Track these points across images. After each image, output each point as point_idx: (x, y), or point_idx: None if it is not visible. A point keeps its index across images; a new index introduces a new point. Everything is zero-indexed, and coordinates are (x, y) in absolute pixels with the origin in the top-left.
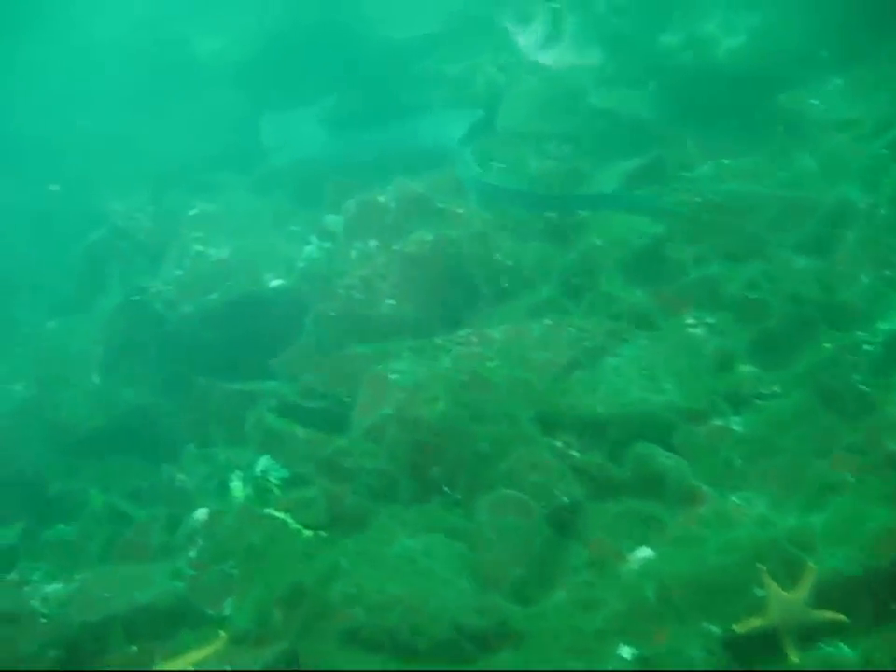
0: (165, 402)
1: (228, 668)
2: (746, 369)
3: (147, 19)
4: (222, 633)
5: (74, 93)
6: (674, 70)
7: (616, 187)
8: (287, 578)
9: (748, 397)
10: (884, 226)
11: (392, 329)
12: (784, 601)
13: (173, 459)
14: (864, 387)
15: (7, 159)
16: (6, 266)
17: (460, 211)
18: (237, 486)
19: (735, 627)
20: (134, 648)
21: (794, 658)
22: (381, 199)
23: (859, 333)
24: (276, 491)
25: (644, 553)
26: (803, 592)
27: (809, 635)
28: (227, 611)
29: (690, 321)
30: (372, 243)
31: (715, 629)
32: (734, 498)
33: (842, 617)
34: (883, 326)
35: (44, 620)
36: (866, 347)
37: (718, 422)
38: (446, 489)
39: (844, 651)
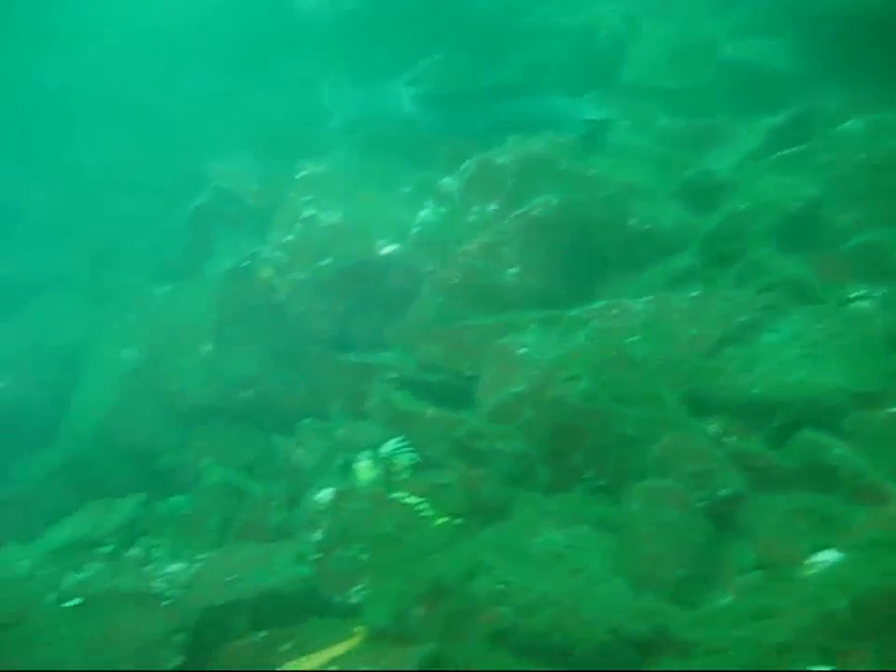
0: (278, 372)
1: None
2: None
3: None
4: (358, 629)
5: (172, 52)
6: (815, 16)
7: (757, 143)
8: (426, 570)
9: None
10: None
11: (515, 299)
12: None
13: (286, 432)
14: None
15: (105, 119)
16: (108, 229)
17: (589, 173)
18: (364, 467)
19: None
20: (262, 634)
21: None
22: (500, 160)
23: None
24: (405, 474)
25: (827, 556)
26: None
27: None
28: (354, 599)
29: (855, 294)
30: (492, 206)
31: None
32: None
33: None
34: None
35: (167, 602)
36: None
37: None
38: (588, 476)
39: None
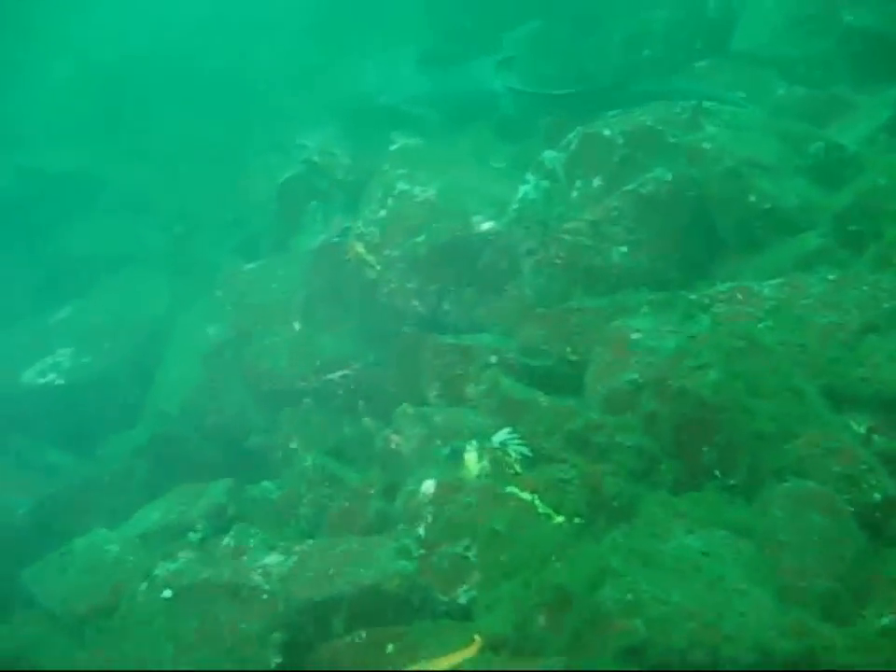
0: (369, 353)
1: None
2: None
3: None
4: (477, 637)
5: (252, 22)
6: None
7: (888, 115)
8: (546, 575)
9: None
10: None
11: (624, 280)
12: None
13: (379, 415)
14: None
15: (186, 90)
16: (190, 201)
17: (704, 146)
18: (471, 458)
19: None
20: (364, 633)
21: None
22: (606, 132)
23: None
24: (517, 467)
25: None
26: None
27: None
28: (462, 600)
29: None
30: (597, 182)
31: None
32: None
33: None
34: None
35: (265, 596)
36: None
37: None
38: (718, 474)
39: None
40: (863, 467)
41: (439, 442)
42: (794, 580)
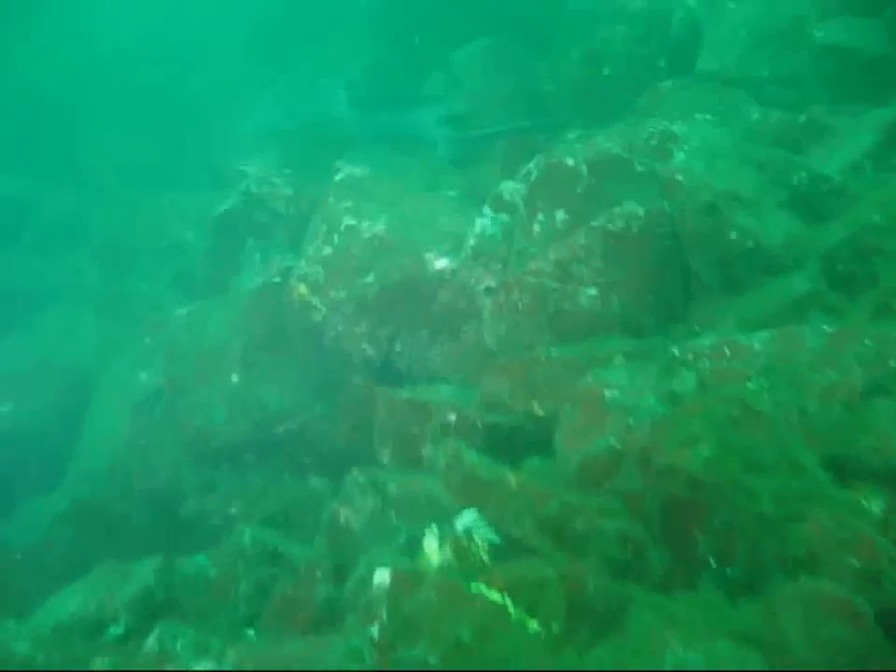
0: (316, 404)
1: None
2: None
3: None
4: None
5: (191, 40)
6: None
7: (873, 141)
8: None
9: None
10: None
11: (594, 325)
12: None
13: (326, 473)
14: None
15: (121, 113)
16: (123, 232)
17: (680, 178)
18: (432, 546)
19: None
20: None
21: None
22: (569, 161)
23: None
24: (484, 558)
25: None
26: None
27: None
28: None
29: None
30: (560, 215)
31: None
32: None
33: None
34: None
35: None
36: None
37: None
38: (714, 563)
39: None
40: (885, 561)
41: (393, 515)
42: None
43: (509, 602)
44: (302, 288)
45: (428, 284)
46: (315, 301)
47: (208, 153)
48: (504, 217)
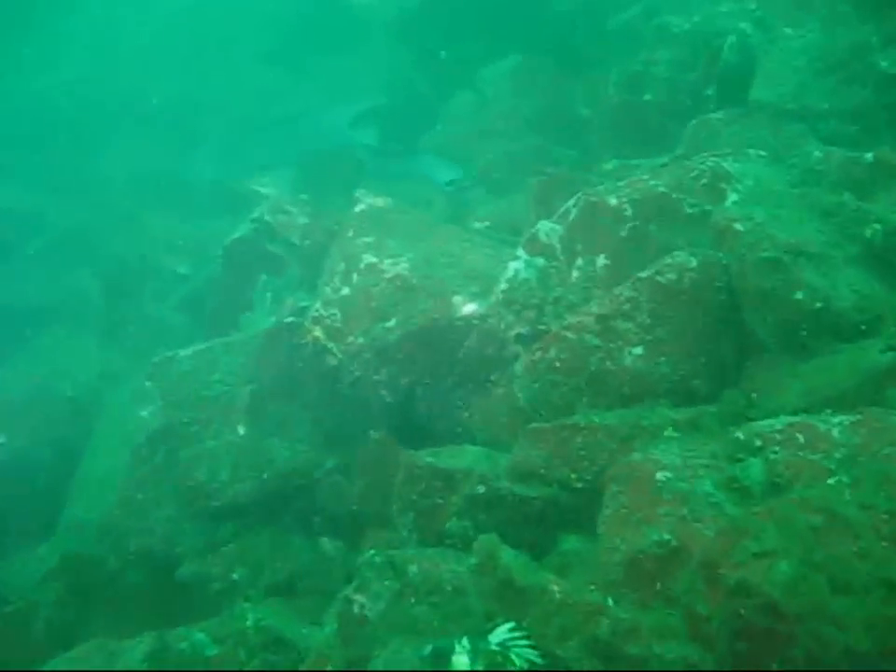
0: (329, 458)
1: None
2: None
3: None
4: None
5: (206, 52)
6: None
7: None
8: None
9: None
10: None
11: (640, 388)
12: None
13: (341, 535)
14: None
15: (132, 126)
16: (129, 249)
17: (739, 227)
18: (462, 662)
19: None
20: None
21: None
22: (612, 201)
23: None
24: None
25: None
26: None
27: None
28: None
29: None
30: (602, 261)
31: None
32: None
33: None
34: None
35: None
36: None
37: None
38: None
39: None
40: None
41: (413, 602)
42: None
43: None
44: (318, 332)
45: (455, 329)
46: (332, 345)
47: (221, 168)
48: (540, 260)
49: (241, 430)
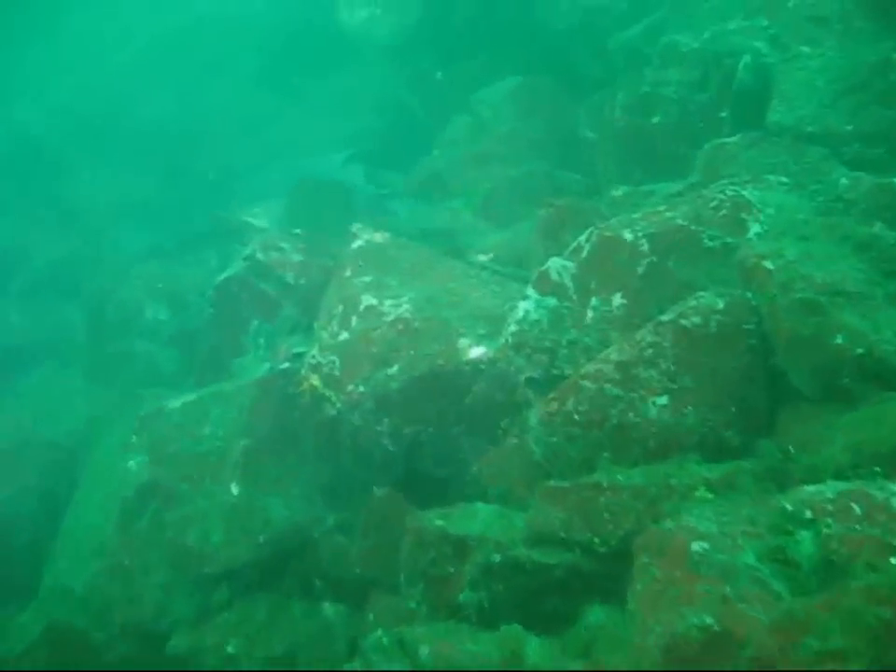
0: (329, 515)
1: None
2: None
3: None
4: None
5: (195, 75)
6: None
7: None
8: None
9: None
10: None
11: (665, 441)
12: None
13: (343, 598)
14: None
15: (118, 153)
16: (116, 284)
17: (768, 265)
18: None
19: None
20: None
21: None
22: (627, 236)
23: None
24: None
25: None
26: None
27: None
28: None
29: None
30: (618, 300)
31: None
32: None
33: None
34: None
35: None
36: None
37: None
38: None
39: None
40: None
41: None
42: None
43: None
44: (315, 380)
45: (462, 375)
46: (330, 394)
47: (210, 197)
48: (551, 300)
49: (234, 489)
